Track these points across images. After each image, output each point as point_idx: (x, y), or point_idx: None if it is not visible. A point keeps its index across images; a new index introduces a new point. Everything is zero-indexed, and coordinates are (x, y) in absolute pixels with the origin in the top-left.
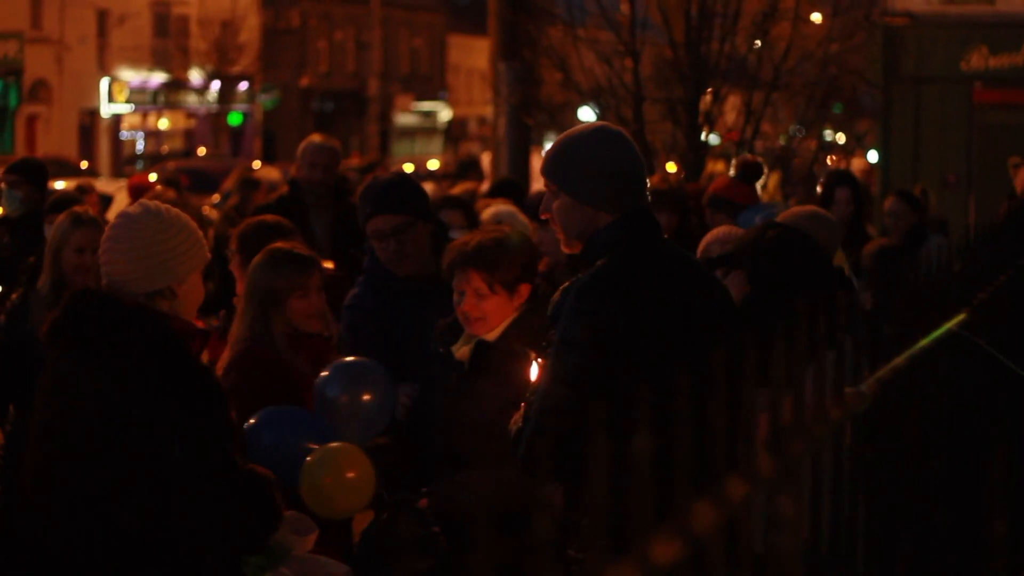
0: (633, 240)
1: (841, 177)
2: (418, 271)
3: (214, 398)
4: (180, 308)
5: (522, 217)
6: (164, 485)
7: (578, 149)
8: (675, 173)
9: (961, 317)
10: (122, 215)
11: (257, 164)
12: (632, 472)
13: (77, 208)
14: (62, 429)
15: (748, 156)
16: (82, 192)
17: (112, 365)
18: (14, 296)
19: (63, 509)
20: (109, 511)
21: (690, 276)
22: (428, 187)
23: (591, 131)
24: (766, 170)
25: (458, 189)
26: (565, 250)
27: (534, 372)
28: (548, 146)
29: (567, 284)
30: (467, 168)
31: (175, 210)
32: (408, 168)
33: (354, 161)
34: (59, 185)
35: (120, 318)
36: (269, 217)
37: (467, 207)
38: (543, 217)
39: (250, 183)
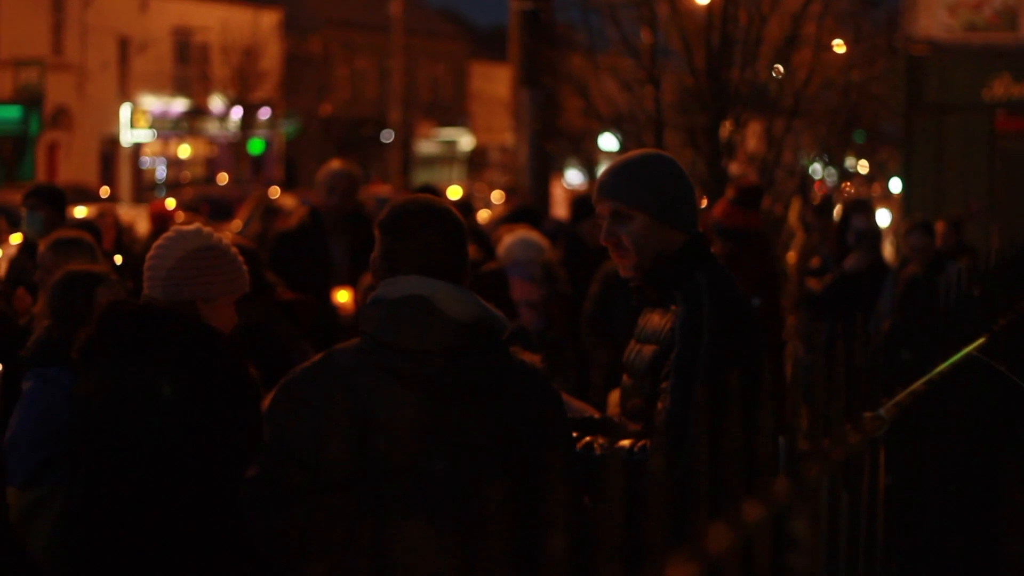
0: (714, 259)
1: (858, 205)
2: None
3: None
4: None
5: (542, 242)
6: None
7: (652, 169)
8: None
9: (980, 342)
10: (173, 230)
11: (275, 191)
12: (649, 493)
13: (66, 232)
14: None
15: (744, 180)
16: (102, 217)
17: (158, 365)
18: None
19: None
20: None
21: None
22: None
23: (653, 154)
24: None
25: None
26: (630, 274)
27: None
28: (573, 173)
29: (680, 307)
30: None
31: (225, 240)
32: None
33: (376, 188)
34: (80, 212)
35: (157, 320)
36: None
37: (482, 237)
38: (605, 243)
39: (271, 210)
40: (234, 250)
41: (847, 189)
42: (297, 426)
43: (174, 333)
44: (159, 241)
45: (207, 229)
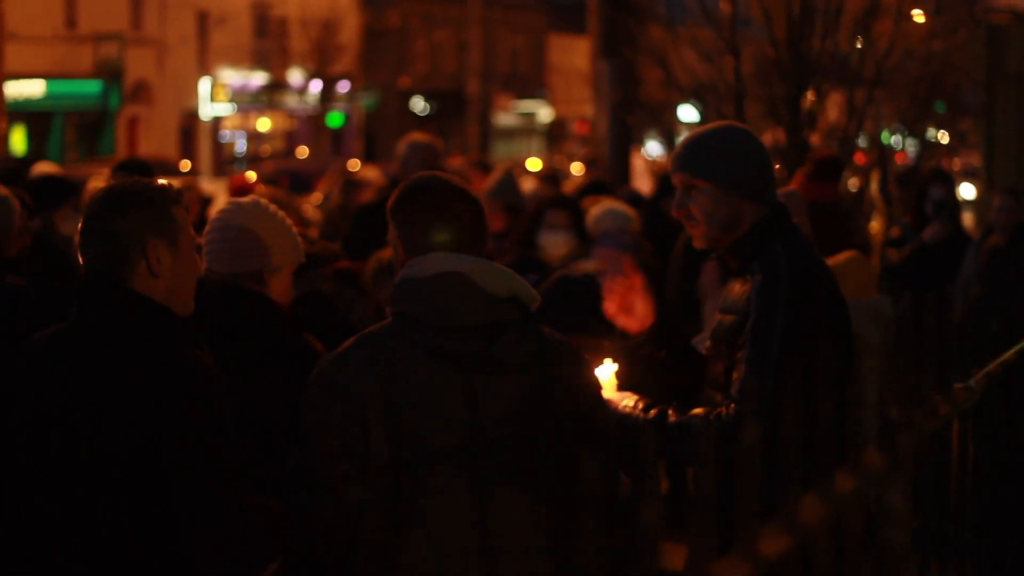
0: (795, 230)
1: (936, 175)
2: None
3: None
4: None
5: (629, 211)
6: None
7: (723, 140)
8: (778, 171)
9: None
10: (231, 202)
11: (356, 164)
12: (740, 466)
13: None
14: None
15: (820, 152)
16: (187, 191)
17: (222, 339)
18: None
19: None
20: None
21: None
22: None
23: (726, 126)
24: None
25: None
26: (703, 245)
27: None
28: (652, 145)
29: (757, 277)
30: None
31: (281, 212)
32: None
33: (456, 161)
34: None
35: (220, 294)
36: None
37: (573, 206)
38: (676, 215)
39: (351, 183)
40: (289, 220)
41: (952, 162)
42: (332, 413)
43: (236, 307)
44: (216, 215)
45: (263, 200)
